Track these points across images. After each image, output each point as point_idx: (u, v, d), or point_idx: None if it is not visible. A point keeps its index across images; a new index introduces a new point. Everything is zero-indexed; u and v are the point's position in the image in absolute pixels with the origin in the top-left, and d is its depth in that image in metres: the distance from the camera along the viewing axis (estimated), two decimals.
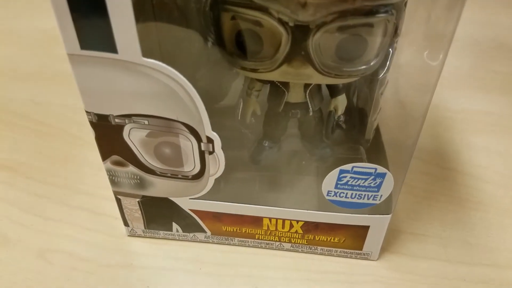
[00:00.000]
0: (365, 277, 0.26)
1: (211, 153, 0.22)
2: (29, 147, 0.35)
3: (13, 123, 0.37)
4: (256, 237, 0.27)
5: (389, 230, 0.27)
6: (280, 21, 0.18)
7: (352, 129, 0.26)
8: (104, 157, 0.23)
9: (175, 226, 0.27)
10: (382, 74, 0.23)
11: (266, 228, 0.26)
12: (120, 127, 0.21)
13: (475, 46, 0.49)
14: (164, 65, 0.19)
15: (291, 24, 0.18)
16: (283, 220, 0.25)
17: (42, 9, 0.51)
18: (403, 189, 0.31)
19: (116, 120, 0.21)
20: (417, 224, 0.29)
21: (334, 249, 0.27)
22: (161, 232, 0.27)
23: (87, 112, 0.21)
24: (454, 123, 0.38)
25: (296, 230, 0.26)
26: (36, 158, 0.34)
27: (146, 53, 0.18)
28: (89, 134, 0.22)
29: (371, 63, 0.20)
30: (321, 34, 0.19)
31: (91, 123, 0.21)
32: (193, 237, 0.27)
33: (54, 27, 0.17)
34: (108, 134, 0.22)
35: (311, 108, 0.24)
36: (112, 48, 0.18)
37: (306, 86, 0.23)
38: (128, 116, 0.21)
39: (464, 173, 0.33)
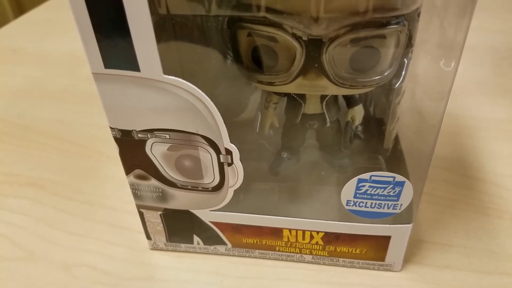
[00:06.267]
0: None
1: (230, 164, 0.22)
2: (55, 164, 0.36)
3: (40, 141, 0.39)
4: (277, 249, 0.27)
5: (412, 240, 0.27)
6: (294, 36, 0.19)
7: (371, 138, 0.26)
8: (128, 171, 0.23)
9: (196, 238, 0.27)
10: (398, 84, 0.23)
11: (287, 240, 0.26)
12: (143, 142, 0.22)
13: (495, 54, 0.49)
14: (183, 81, 0.19)
15: (304, 38, 0.19)
16: (303, 231, 0.26)
17: (68, 32, 0.53)
18: (426, 199, 0.31)
19: (139, 135, 0.22)
20: (440, 233, 0.29)
21: (356, 260, 0.27)
22: (183, 245, 0.28)
23: (111, 128, 0.22)
24: (476, 131, 0.38)
25: (317, 242, 0.26)
26: (62, 175, 0.35)
27: (168, 70, 0.19)
28: (112, 150, 0.23)
29: (385, 73, 0.21)
30: (334, 47, 0.19)
31: (115, 138, 0.22)
32: (214, 249, 0.28)
33: (79, 48, 0.18)
34: (132, 149, 0.22)
35: (328, 119, 0.24)
36: (135, 67, 0.19)
37: (323, 97, 0.23)
38: (150, 131, 0.21)
39: (487, 181, 0.33)
